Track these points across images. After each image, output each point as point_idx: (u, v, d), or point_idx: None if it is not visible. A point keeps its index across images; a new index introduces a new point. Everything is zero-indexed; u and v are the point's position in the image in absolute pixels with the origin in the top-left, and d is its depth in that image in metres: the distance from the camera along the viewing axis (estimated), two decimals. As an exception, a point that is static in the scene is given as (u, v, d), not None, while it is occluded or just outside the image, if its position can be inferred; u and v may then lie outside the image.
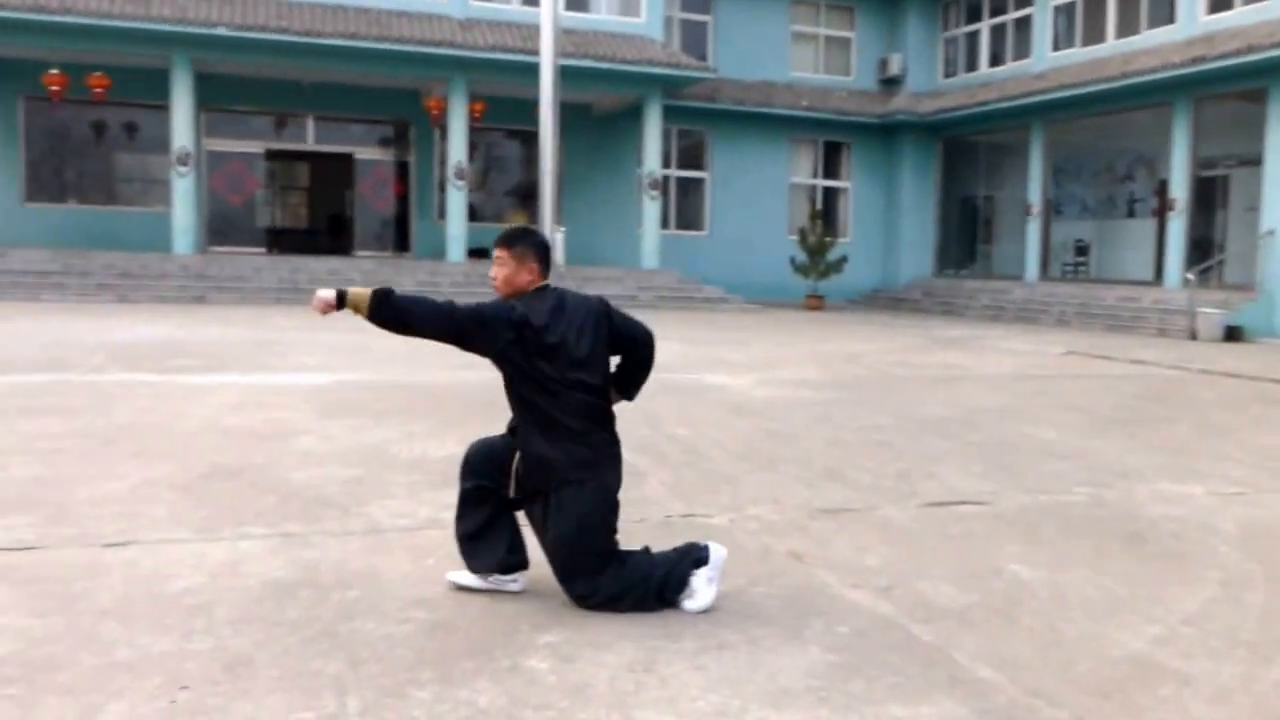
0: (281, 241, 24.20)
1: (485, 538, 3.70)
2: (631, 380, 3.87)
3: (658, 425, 7.32)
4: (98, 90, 18.96)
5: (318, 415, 7.25)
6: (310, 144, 23.62)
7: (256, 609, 3.48)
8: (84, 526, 4.40)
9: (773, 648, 3.29)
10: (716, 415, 7.91)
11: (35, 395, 7.69)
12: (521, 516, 3.77)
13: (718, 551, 3.65)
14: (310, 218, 26.03)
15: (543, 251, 3.77)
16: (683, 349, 12.81)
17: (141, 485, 5.12)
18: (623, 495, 5.13)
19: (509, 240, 3.73)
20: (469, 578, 3.74)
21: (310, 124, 23.35)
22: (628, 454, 6.41)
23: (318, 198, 25.65)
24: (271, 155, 24.06)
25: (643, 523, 4.75)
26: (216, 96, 21.45)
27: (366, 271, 20.32)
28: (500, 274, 3.69)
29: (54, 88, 18.84)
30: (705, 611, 3.54)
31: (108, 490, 5.00)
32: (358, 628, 3.34)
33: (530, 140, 24.92)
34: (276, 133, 23.34)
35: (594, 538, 3.57)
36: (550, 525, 3.58)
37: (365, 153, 24.18)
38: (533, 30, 21.26)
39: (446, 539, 3.95)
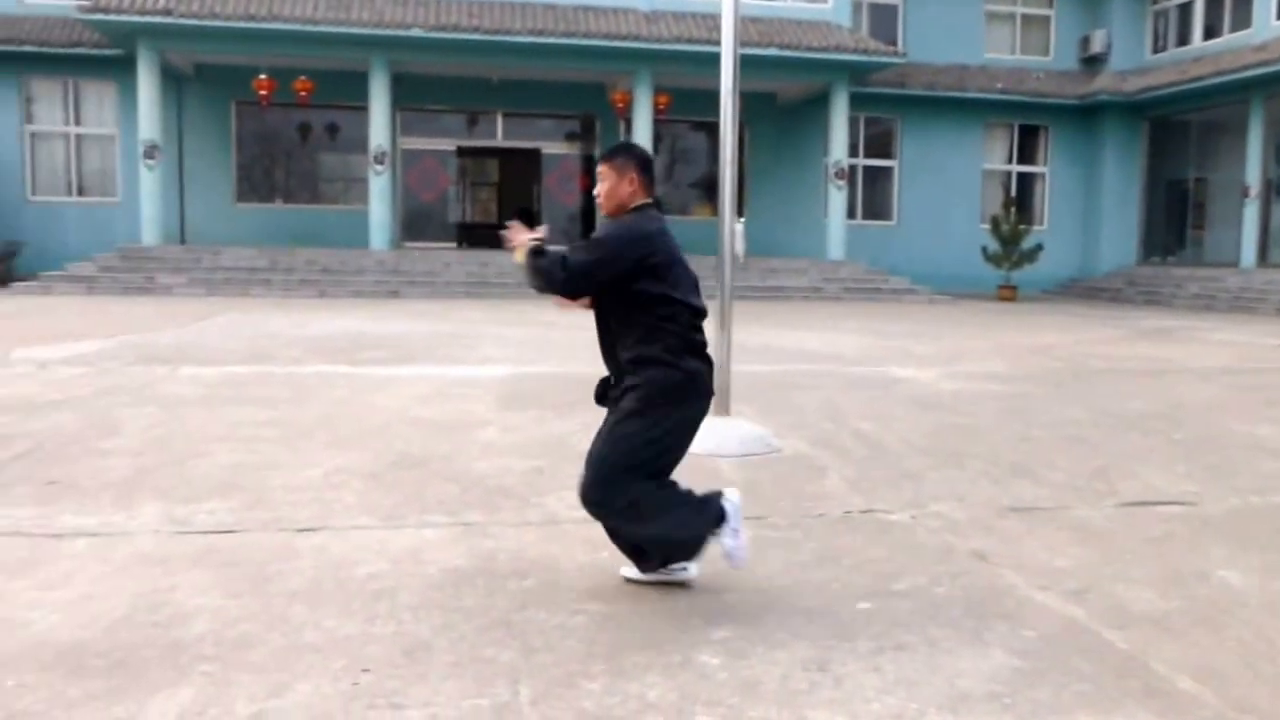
0: (471, 236, 24.98)
1: None
2: None
3: (841, 419, 7.18)
4: (302, 93, 20.05)
5: (501, 407, 7.43)
6: (499, 140, 24.28)
7: (436, 595, 3.58)
8: (279, 512, 4.62)
9: (953, 650, 3.16)
10: (901, 409, 7.70)
11: (241, 386, 8.16)
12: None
13: (732, 501, 3.56)
14: (499, 213, 26.75)
15: (644, 164, 3.68)
16: (868, 341, 12.55)
17: (333, 473, 5.34)
18: (802, 490, 5.01)
19: (609, 154, 3.70)
20: (638, 571, 3.74)
21: (499, 120, 24.00)
22: (808, 448, 6.35)
23: (506, 192, 26.33)
24: (462, 152, 24.83)
25: (821, 518, 4.66)
26: (411, 96, 22.31)
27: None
28: (602, 189, 3.67)
29: (263, 92, 20.01)
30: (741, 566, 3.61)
31: (303, 478, 5.24)
32: (531, 617, 3.39)
33: (715, 132, 24.90)
34: (467, 130, 24.09)
35: (624, 449, 3.48)
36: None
37: (552, 147, 24.67)
38: (718, 20, 21.30)
39: (620, 531, 3.96)
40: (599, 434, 3.60)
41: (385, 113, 20.31)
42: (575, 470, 5.40)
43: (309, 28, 18.97)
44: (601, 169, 3.69)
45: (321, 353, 10.33)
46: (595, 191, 3.71)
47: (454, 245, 24.12)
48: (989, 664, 3.07)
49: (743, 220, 5.91)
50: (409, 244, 23.06)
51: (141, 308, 15.50)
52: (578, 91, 23.17)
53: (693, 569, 3.73)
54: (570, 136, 24.88)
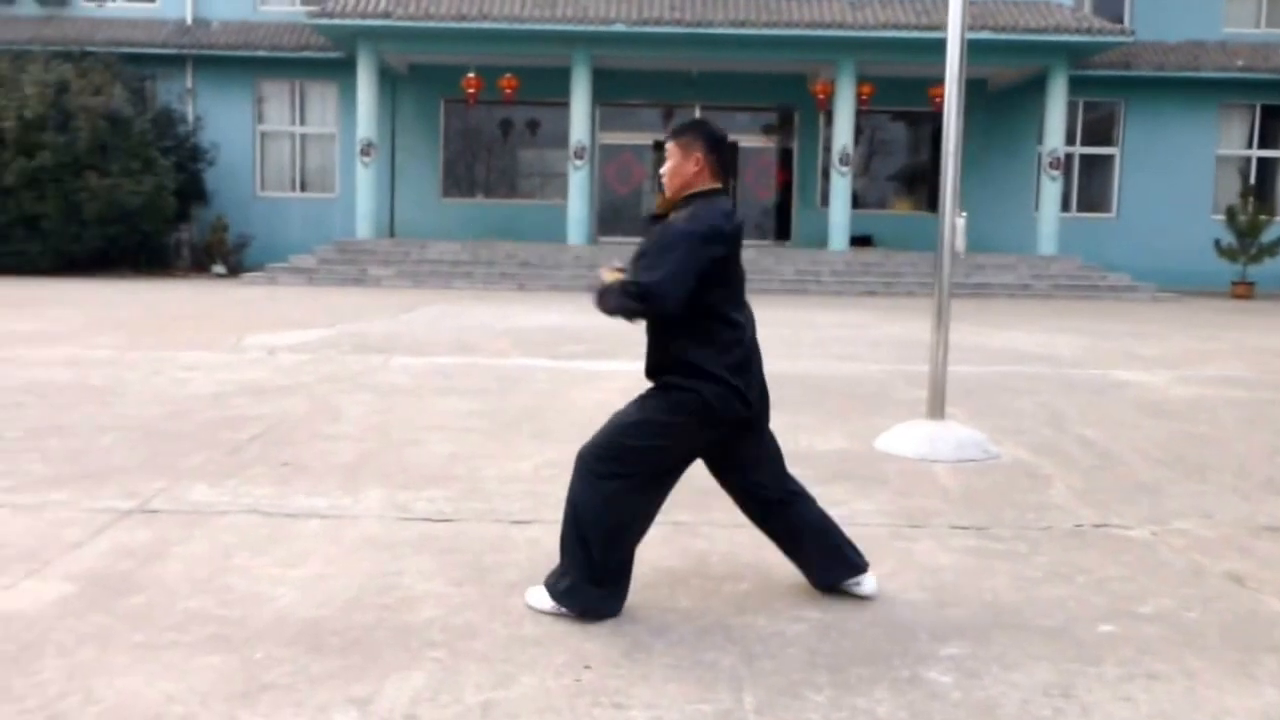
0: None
1: None
2: None
3: (1063, 425, 6.85)
4: (508, 90, 20.61)
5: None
6: (697, 133, 24.30)
7: (651, 595, 3.58)
8: (492, 503, 4.74)
9: (1215, 683, 2.94)
10: (1128, 415, 7.28)
11: (449, 376, 8.44)
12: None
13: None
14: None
15: (713, 143, 3.40)
16: (1086, 341, 11.96)
17: (543, 466, 5.44)
18: (1025, 499, 4.79)
19: (677, 130, 3.47)
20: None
21: (696, 114, 24.03)
22: (1029, 454, 6.06)
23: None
24: (659, 146, 24.97)
25: (1049, 530, 4.44)
26: (609, 91, 22.63)
27: (748, 260, 20.57)
28: (666, 168, 3.45)
29: (470, 90, 20.69)
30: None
31: (513, 470, 5.36)
32: (750, 622, 3.35)
33: (917, 122, 24.36)
34: (664, 124, 24.25)
35: (620, 428, 3.40)
36: None
37: (750, 141, 24.57)
38: (924, 5, 20.74)
39: (838, 536, 3.87)
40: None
41: (585, 108, 20.67)
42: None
43: (515, 25, 19.50)
44: (669, 147, 3.45)
45: (523, 345, 10.59)
46: (660, 171, 3.51)
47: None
48: (1261, 702, 2.83)
49: (964, 215, 5.67)
50: (604, 239, 23.40)
51: (355, 298, 16.29)
52: (777, 83, 23.00)
53: (866, 585, 3.56)
54: (768, 129, 24.72)
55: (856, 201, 22.46)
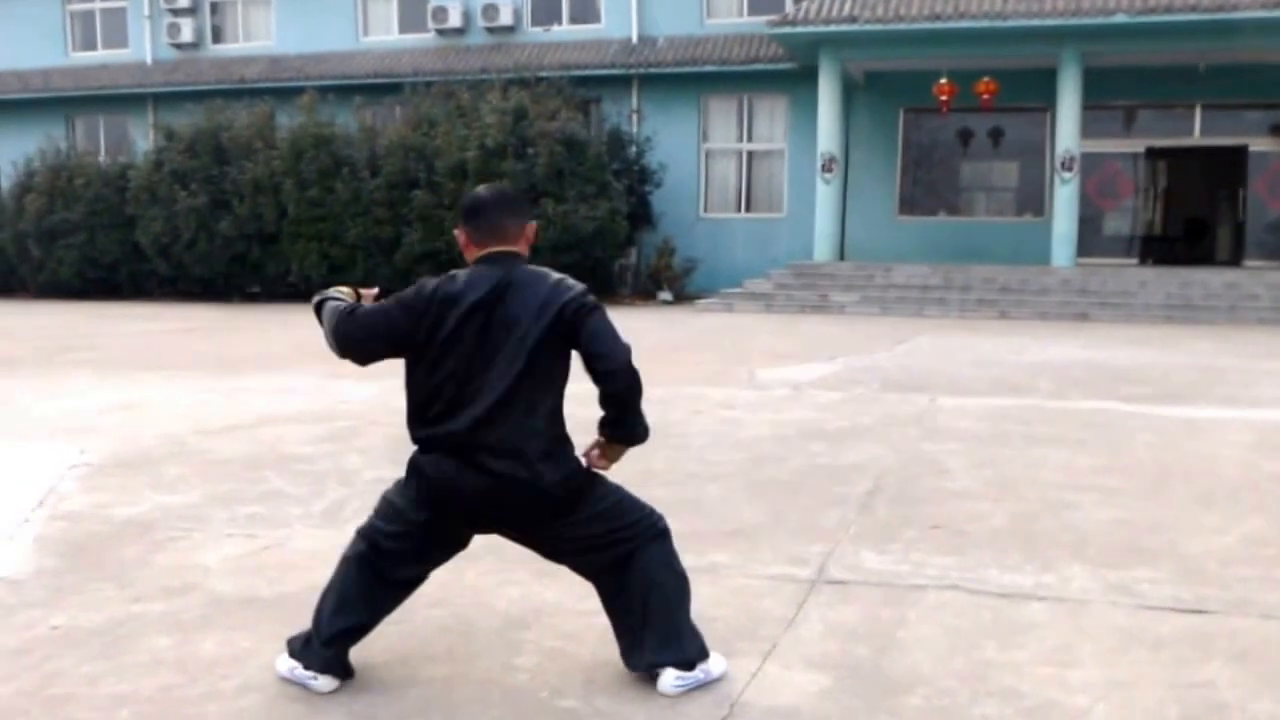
0: (1158, 251, 23.31)
1: None
2: None
3: None
4: (985, 96, 19.83)
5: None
6: (1196, 138, 22.32)
7: None
8: (1233, 589, 4.14)
9: None
10: None
11: (1022, 422, 7.88)
12: None
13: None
14: (1186, 222, 24.68)
15: (465, 214, 3.36)
16: None
17: (1251, 542, 4.76)
18: None
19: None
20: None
21: (1197, 114, 22.07)
22: None
23: (1198, 198, 24.23)
24: (1152, 153, 23.17)
25: None
26: (1094, 92, 21.20)
27: (1273, 286, 18.53)
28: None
29: (943, 97, 20.10)
30: None
31: (1219, 545, 4.74)
32: None
33: None
34: (1157, 127, 22.46)
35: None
36: None
37: (1261, 144, 22.20)
38: None
39: None
40: None
41: (1074, 112, 19.47)
42: None
43: (998, 23, 18.68)
44: None
45: (1074, 385, 9.84)
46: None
47: (1135, 261, 22.57)
48: None
49: None
50: (1082, 259, 21.93)
51: (826, 327, 16.14)
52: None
53: (324, 682, 3.19)
54: (1275, 130, 22.21)
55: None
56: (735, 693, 3.22)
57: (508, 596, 3.97)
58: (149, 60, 27.17)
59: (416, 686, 3.20)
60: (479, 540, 4.40)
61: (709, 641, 3.33)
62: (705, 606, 3.94)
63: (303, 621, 3.27)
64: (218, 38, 27.28)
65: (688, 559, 4.50)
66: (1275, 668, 3.41)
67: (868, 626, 3.77)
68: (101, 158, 25.13)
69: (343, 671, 3.22)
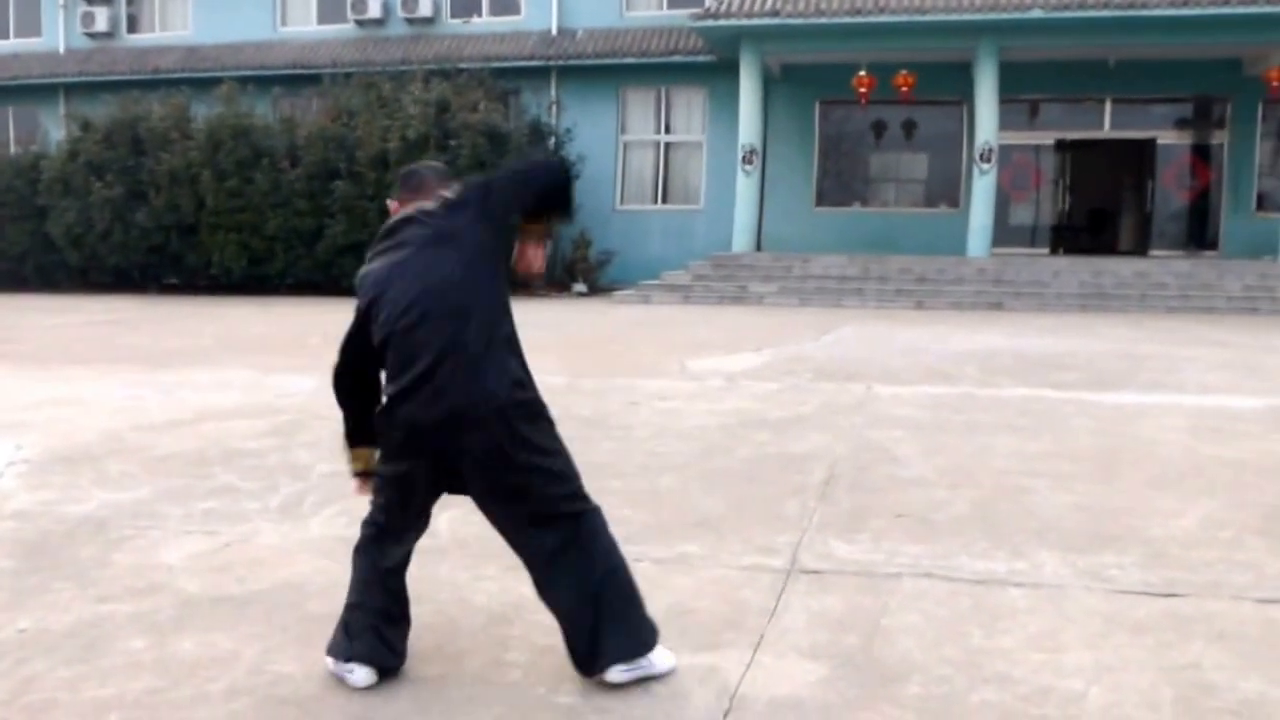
0: (1068, 241, 23.88)
1: None
2: None
3: None
4: (904, 89, 20.08)
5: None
6: (1105, 130, 22.87)
7: None
8: (1197, 572, 4.21)
9: None
10: None
11: (958, 410, 7.96)
12: None
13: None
14: (1090, 213, 25.30)
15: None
16: None
17: (1208, 524, 4.85)
18: None
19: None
20: None
21: (1106, 108, 22.62)
22: None
23: (1108, 189, 24.84)
24: (1062, 146, 23.67)
25: None
26: (1006, 86, 21.58)
27: (1180, 274, 19.11)
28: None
29: (862, 89, 20.29)
30: None
31: (1177, 528, 4.81)
32: None
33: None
34: (1067, 120, 22.96)
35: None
36: None
37: (1166, 137, 22.84)
38: None
39: None
40: None
41: (992, 106, 19.80)
42: None
43: (917, 18, 18.92)
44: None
45: (1002, 373, 9.99)
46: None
47: (1046, 251, 23.07)
48: None
49: None
50: (997, 249, 22.34)
51: (748, 317, 16.21)
52: (1201, 70, 21.21)
53: (360, 674, 3.12)
54: (1181, 123, 22.90)
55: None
56: (733, 685, 3.17)
57: (486, 591, 3.87)
58: (61, 49, 26.48)
59: (410, 686, 3.10)
60: (445, 534, 4.30)
61: (694, 634, 3.27)
62: (685, 598, 3.90)
63: (282, 620, 3.14)
64: (133, 27, 26.66)
65: (657, 550, 4.48)
66: (1255, 647, 3.47)
67: (852, 616, 3.74)
68: (11, 148, 24.53)
69: (393, 659, 3.19)
